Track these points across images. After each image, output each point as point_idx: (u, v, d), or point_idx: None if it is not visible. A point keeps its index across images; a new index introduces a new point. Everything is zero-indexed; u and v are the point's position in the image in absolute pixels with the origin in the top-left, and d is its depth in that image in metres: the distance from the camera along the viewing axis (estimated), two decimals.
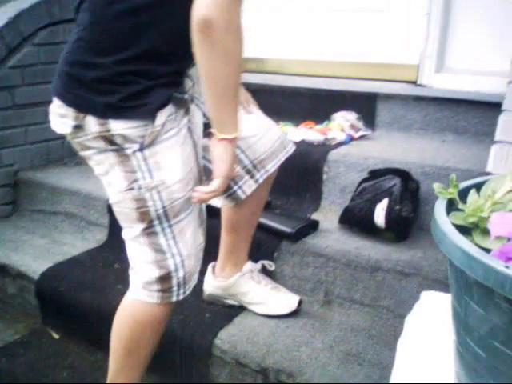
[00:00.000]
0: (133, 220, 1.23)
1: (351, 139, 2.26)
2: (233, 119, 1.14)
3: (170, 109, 1.17)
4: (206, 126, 1.34)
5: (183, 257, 1.25)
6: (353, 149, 2.16)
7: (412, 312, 0.95)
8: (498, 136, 1.15)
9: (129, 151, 1.16)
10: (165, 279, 1.26)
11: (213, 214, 1.77)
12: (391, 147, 2.16)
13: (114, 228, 2.07)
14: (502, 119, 1.17)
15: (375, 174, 1.92)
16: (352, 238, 1.86)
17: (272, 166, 1.49)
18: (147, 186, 1.18)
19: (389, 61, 2.34)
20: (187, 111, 1.23)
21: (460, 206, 0.69)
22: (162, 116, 1.15)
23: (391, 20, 2.32)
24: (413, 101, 2.30)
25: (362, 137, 2.27)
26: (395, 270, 1.70)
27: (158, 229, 1.22)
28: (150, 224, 1.22)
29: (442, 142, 2.21)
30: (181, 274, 1.26)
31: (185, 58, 1.16)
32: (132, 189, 1.19)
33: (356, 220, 1.86)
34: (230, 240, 1.66)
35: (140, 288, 1.29)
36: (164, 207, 1.20)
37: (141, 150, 1.16)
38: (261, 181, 1.48)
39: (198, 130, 1.29)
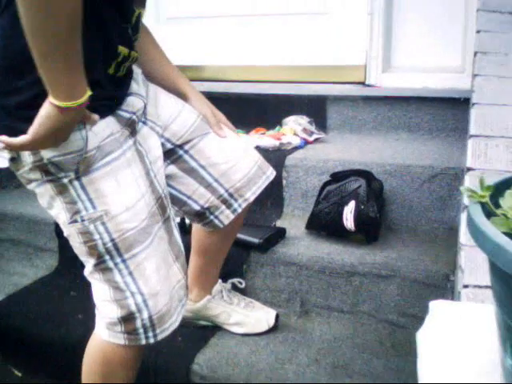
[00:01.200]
0: (84, 255, 1.11)
1: (306, 143, 2.21)
2: (65, 84, 0.93)
3: (106, 130, 1.05)
4: (171, 151, 1.26)
5: (145, 296, 1.10)
6: (310, 152, 2.10)
7: (424, 326, 0.87)
8: (472, 130, 1.13)
9: (65, 180, 1.04)
10: (128, 320, 1.12)
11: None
12: (348, 149, 2.13)
13: (65, 252, 1.91)
14: (474, 113, 1.15)
15: (338, 177, 1.87)
16: (322, 244, 1.80)
17: (251, 195, 1.35)
18: (90, 218, 1.06)
19: (336, 63, 2.32)
20: (133, 133, 1.11)
21: (498, 211, 0.61)
22: (95, 139, 1.03)
23: (334, 22, 2.30)
24: (362, 101, 2.29)
25: (316, 140, 2.23)
26: (372, 273, 1.65)
27: (110, 264, 1.09)
28: (101, 259, 1.09)
29: (396, 140, 2.21)
30: (145, 315, 1.12)
31: (111, 80, 1.06)
32: (75, 221, 1.06)
33: (324, 224, 1.80)
34: (198, 263, 1.54)
35: (104, 328, 1.16)
36: (113, 240, 1.07)
37: (77, 178, 1.04)
38: (239, 211, 1.35)
39: (153, 154, 1.17)
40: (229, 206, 1.33)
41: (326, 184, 1.89)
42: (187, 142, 1.28)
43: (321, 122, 2.33)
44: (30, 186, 1.09)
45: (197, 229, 1.47)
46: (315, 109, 2.35)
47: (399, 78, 2.21)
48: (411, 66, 2.21)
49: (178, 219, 1.81)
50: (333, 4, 2.29)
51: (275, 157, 2.10)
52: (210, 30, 2.53)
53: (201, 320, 1.63)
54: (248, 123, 2.38)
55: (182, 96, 1.33)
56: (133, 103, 1.13)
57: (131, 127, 1.11)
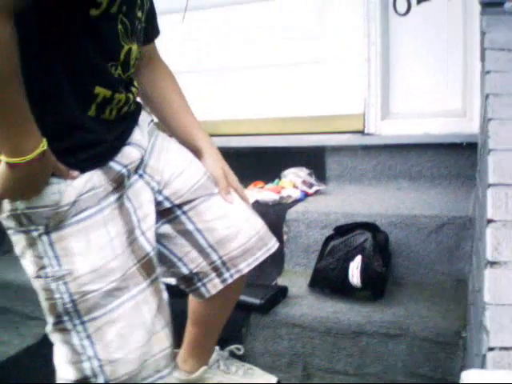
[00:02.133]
0: (46, 311, 1.05)
1: (306, 195, 2.15)
2: (7, 140, 0.88)
3: (88, 184, 0.99)
4: (169, 210, 1.19)
5: (102, 361, 1.02)
6: (310, 205, 2.04)
7: None
8: (490, 179, 1.05)
9: (35, 234, 0.99)
10: None
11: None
12: (349, 200, 2.06)
13: None
14: (492, 160, 1.07)
15: (341, 230, 1.80)
16: (326, 302, 1.70)
17: (246, 266, 1.24)
18: (54, 275, 1.00)
19: (333, 112, 2.28)
20: (118, 188, 1.05)
21: None
22: (72, 193, 0.97)
23: (330, 71, 2.28)
24: (362, 150, 2.24)
25: (316, 192, 2.17)
26: (379, 332, 1.55)
27: (68, 325, 1.02)
28: (60, 319, 1.02)
29: (398, 189, 2.15)
30: (101, 380, 1.03)
31: (99, 123, 1.01)
32: (40, 276, 1.01)
33: (329, 281, 1.71)
34: (195, 333, 1.45)
35: None
36: (73, 301, 1.00)
37: (47, 232, 0.98)
38: (230, 281, 1.24)
39: (144, 211, 1.10)
40: (219, 274, 1.23)
41: (329, 238, 1.81)
42: (187, 203, 1.20)
43: (320, 173, 2.28)
44: (8, 232, 1.04)
45: (193, 298, 1.39)
46: (314, 160, 2.30)
47: (399, 124, 2.17)
48: (410, 112, 2.17)
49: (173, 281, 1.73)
50: (328, 52, 2.27)
51: (275, 211, 2.04)
52: (203, 84, 2.51)
53: None
54: (246, 177, 2.31)
55: (197, 151, 1.27)
56: (128, 154, 1.07)
57: (117, 182, 1.04)
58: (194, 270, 1.23)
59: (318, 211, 1.96)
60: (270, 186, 2.24)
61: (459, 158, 2.06)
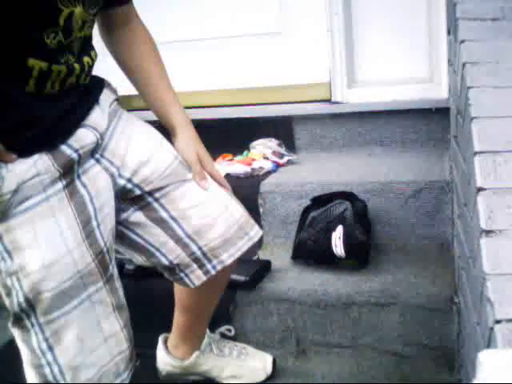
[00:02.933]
0: (8, 306, 0.96)
1: (278, 166, 2.10)
2: None
3: (31, 170, 0.90)
4: (139, 197, 1.10)
5: (62, 367, 0.95)
6: (284, 176, 1.99)
7: (476, 380, 0.75)
8: (476, 147, 1.04)
9: None
10: None
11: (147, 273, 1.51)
12: (323, 169, 2.03)
13: None
14: (476, 128, 1.06)
15: (319, 201, 1.77)
16: (312, 274, 1.68)
17: (228, 257, 1.16)
18: (7, 271, 0.91)
19: (299, 82, 2.22)
20: (68, 174, 0.95)
21: None
22: (13, 180, 0.88)
23: (294, 40, 2.20)
24: (330, 119, 2.20)
25: (287, 162, 2.12)
26: (370, 302, 1.54)
27: (27, 323, 0.94)
28: (18, 316, 0.94)
29: (369, 155, 2.13)
30: None
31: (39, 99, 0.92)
32: None
33: (312, 253, 1.68)
34: (183, 320, 1.39)
35: None
36: (28, 300, 0.92)
37: None
38: (213, 272, 1.16)
39: (101, 200, 1.01)
40: (201, 266, 1.15)
41: (307, 209, 1.78)
42: (158, 189, 1.10)
43: (289, 143, 2.23)
44: None
45: (177, 285, 1.31)
46: (282, 130, 2.25)
47: (366, 92, 2.14)
48: (377, 80, 2.14)
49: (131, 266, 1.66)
50: (291, 23, 2.19)
51: (248, 184, 1.98)
52: (165, 57, 2.38)
53: (190, 375, 1.47)
54: (213, 150, 2.22)
55: (171, 131, 1.18)
56: (81, 137, 0.97)
57: (66, 167, 0.94)
58: (175, 262, 1.14)
59: (293, 182, 1.92)
60: (239, 158, 2.17)
61: (429, 122, 2.07)
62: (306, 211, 1.78)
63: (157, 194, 1.10)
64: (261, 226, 1.88)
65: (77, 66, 0.96)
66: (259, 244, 1.90)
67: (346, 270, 1.66)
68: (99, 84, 1.09)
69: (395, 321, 1.52)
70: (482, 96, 1.11)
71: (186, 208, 1.12)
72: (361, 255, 1.67)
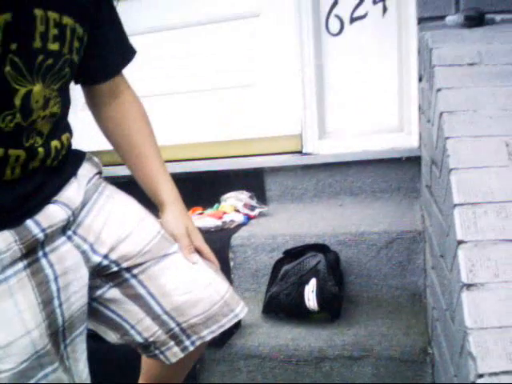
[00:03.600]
0: None
1: (249, 219, 2.08)
2: None
3: None
4: (116, 273, 1.04)
5: None
6: (255, 229, 1.97)
7: None
8: (456, 199, 1.03)
9: None
10: None
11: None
12: (294, 220, 2.01)
13: None
14: (454, 180, 1.06)
15: (292, 253, 1.74)
16: (283, 328, 1.63)
17: (209, 333, 1.09)
18: None
19: (271, 134, 2.24)
20: (31, 253, 0.90)
21: None
22: None
23: (264, 93, 2.23)
24: (301, 170, 2.21)
25: (259, 214, 2.11)
26: (343, 355, 1.50)
27: None
28: None
29: (340, 206, 2.13)
30: None
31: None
32: None
33: (284, 307, 1.64)
34: None
35: None
36: None
37: None
38: (191, 349, 1.10)
39: (66, 278, 0.95)
40: (179, 342, 1.09)
41: (279, 262, 1.75)
42: (137, 266, 1.04)
43: (260, 195, 2.22)
44: None
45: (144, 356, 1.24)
46: (253, 182, 2.25)
47: (337, 143, 2.16)
48: (348, 131, 2.16)
49: None
50: (262, 75, 2.22)
51: (219, 237, 1.95)
52: None
53: None
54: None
55: (159, 206, 1.13)
56: (51, 214, 0.92)
57: (30, 247, 0.89)
58: (150, 339, 1.08)
59: (264, 234, 1.90)
60: (209, 211, 2.15)
61: (399, 171, 2.08)
62: (278, 264, 1.75)
63: (135, 271, 1.05)
64: (231, 280, 1.90)
65: (41, 150, 0.90)
66: None
67: (318, 324, 1.62)
68: (77, 158, 1.04)
69: (368, 374, 1.48)
70: (460, 146, 1.11)
71: (166, 284, 1.06)
72: (333, 308, 1.63)
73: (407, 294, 1.75)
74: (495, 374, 0.82)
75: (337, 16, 2.08)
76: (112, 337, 1.10)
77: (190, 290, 1.07)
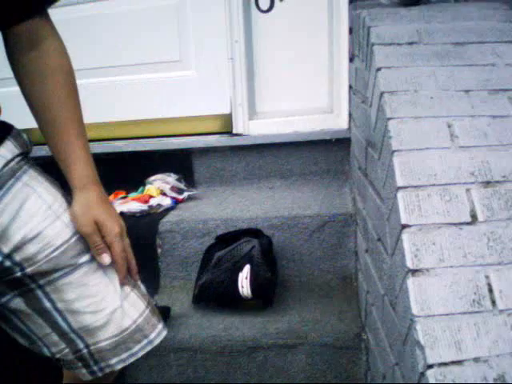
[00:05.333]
0: None
1: (177, 202, 1.98)
2: None
3: None
4: (21, 280, 0.90)
5: None
6: (184, 213, 1.87)
7: None
8: (399, 182, 1.00)
9: None
10: None
11: None
12: (225, 204, 1.93)
13: None
14: (397, 162, 1.02)
15: (225, 239, 1.67)
16: (215, 318, 1.56)
17: (119, 362, 0.97)
18: None
19: (199, 113, 2.13)
20: None
21: None
22: None
23: (192, 70, 2.11)
24: (230, 151, 2.13)
25: (187, 198, 2.01)
26: (277, 344, 1.45)
27: None
28: None
29: (270, 188, 2.08)
30: None
31: None
32: None
33: (216, 295, 1.57)
34: None
35: None
36: None
37: None
38: (99, 375, 0.98)
39: None
40: (86, 366, 0.98)
41: (211, 248, 1.67)
42: (43, 274, 0.90)
43: (188, 177, 2.12)
44: None
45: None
46: (180, 164, 2.14)
47: (267, 124, 2.09)
48: (279, 111, 2.10)
49: None
50: (189, 51, 2.10)
51: (145, 223, 1.84)
52: None
53: None
54: (104, 187, 2.08)
55: (72, 192, 0.95)
56: None
57: None
58: (57, 356, 0.97)
59: (194, 219, 1.81)
60: (133, 195, 2.02)
61: (329, 153, 2.05)
62: (210, 250, 1.67)
63: (41, 281, 0.91)
64: (158, 269, 1.80)
65: None
66: (155, 288, 1.76)
67: (252, 312, 1.56)
68: None
69: (303, 362, 1.44)
70: (402, 127, 1.07)
71: (73, 300, 0.93)
72: (267, 295, 1.58)
73: (338, 278, 1.73)
74: (444, 364, 0.80)
75: None
76: (21, 341, 0.98)
77: (99, 310, 0.94)
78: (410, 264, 0.91)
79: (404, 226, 0.96)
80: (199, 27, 2.04)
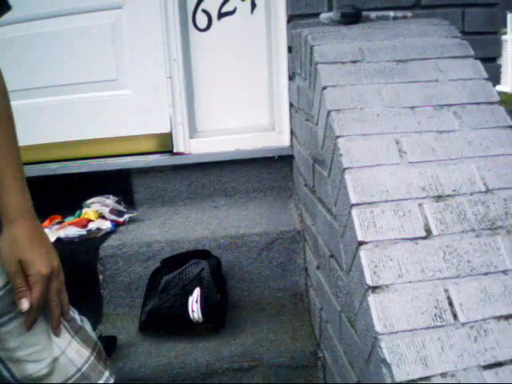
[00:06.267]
0: None
1: (117, 225, 1.90)
2: None
3: None
4: None
5: None
6: (126, 236, 1.80)
7: None
8: (353, 199, 1.00)
9: None
10: None
11: None
12: (169, 225, 1.88)
13: None
14: (349, 179, 1.02)
15: (171, 262, 1.61)
16: (165, 345, 1.50)
17: None
18: None
19: (138, 132, 2.07)
20: None
21: None
22: None
23: (131, 89, 2.05)
24: (172, 171, 2.09)
25: (128, 220, 1.94)
26: (232, 368, 1.42)
27: None
28: None
29: (215, 207, 2.05)
30: None
31: None
32: None
33: (166, 321, 1.51)
34: None
35: None
36: None
37: None
38: None
39: None
40: None
41: (157, 272, 1.61)
42: None
43: (127, 199, 2.05)
44: None
45: None
46: (119, 185, 2.07)
47: (209, 142, 2.06)
48: (220, 129, 2.08)
49: None
50: (128, 69, 2.03)
51: (85, 248, 1.76)
52: None
53: None
54: (37, 213, 1.97)
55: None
56: None
57: None
58: None
59: (137, 242, 1.74)
60: (70, 219, 1.93)
61: (271, 171, 2.06)
62: (157, 274, 1.62)
63: None
64: (101, 297, 1.71)
65: None
66: (98, 317, 1.68)
67: (204, 336, 1.51)
68: None
69: None
70: (351, 145, 1.07)
71: (16, 348, 0.88)
72: (218, 317, 1.54)
73: (289, 295, 1.72)
74: (412, 381, 0.79)
75: (204, 11, 1.98)
76: None
77: (41, 359, 0.89)
78: (369, 281, 0.91)
79: (361, 243, 0.96)
80: (136, 46, 1.99)
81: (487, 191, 0.99)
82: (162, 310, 1.49)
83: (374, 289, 0.90)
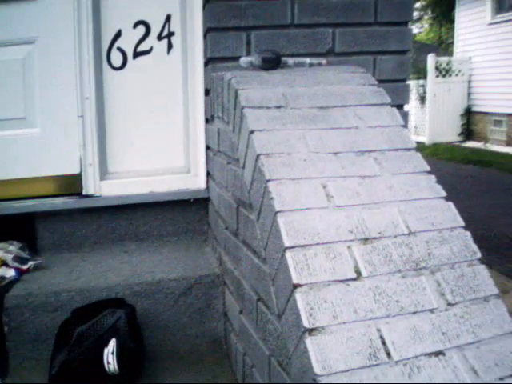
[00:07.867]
0: None
1: (21, 273, 1.76)
2: None
3: None
4: None
5: None
6: (32, 285, 1.67)
7: None
8: (286, 242, 1.01)
9: None
10: None
11: None
12: (77, 273, 1.78)
13: None
14: (282, 222, 1.04)
15: (83, 312, 1.52)
16: None
17: None
18: None
19: (45, 173, 1.95)
20: None
21: None
22: None
23: (38, 127, 1.93)
24: (80, 214, 1.99)
25: (33, 268, 1.80)
26: None
27: None
28: None
29: (125, 252, 1.97)
30: None
31: None
32: None
33: (80, 375, 1.40)
34: None
35: None
36: None
37: None
38: None
39: None
40: None
41: (68, 323, 1.51)
42: None
43: (31, 245, 1.92)
44: None
45: None
46: (23, 230, 1.93)
47: (121, 184, 1.99)
48: (133, 171, 2.02)
49: None
50: (37, 108, 1.91)
51: None
52: None
53: None
54: None
55: None
56: None
57: None
58: None
59: (44, 292, 1.63)
60: None
61: (186, 214, 2.03)
62: (68, 326, 1.51)
63: None
64: (5, 350, 1.57)
65: None
66: (4, 370, 1.53)
67: None
68: None
69: None
70: (282, 189, 1.09)
71: None
72: (135, 369, 1.46)
73: (208, 342, 1.69)
74: None
75: (120, 49, 1.95)
76: None
77: None
78: (306, 323, 0.91)
79: (296, 286, 0.96)
80: (47, 83, 1.90)
81: (410, 233, 1.05)
82: (75, 363, 1.39)
83: (311, 331, 0.91)
